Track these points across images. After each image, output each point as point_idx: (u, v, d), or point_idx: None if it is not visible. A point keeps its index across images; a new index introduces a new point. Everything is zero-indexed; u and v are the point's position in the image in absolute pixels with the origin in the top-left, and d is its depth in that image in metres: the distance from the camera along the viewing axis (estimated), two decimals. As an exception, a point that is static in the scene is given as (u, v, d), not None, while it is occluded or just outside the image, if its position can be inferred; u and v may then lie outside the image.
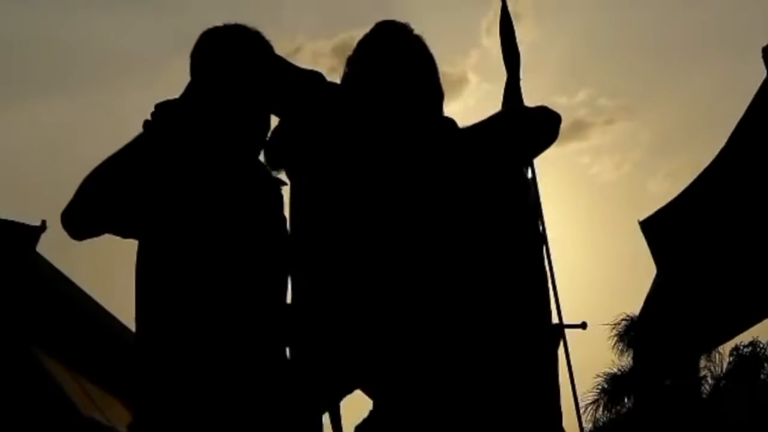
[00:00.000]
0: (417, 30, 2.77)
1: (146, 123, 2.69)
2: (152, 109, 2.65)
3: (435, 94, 2.79)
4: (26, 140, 27.77)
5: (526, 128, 2.79)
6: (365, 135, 2.73)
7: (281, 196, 2.79)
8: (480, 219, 2.70)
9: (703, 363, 23.71)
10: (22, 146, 27.12)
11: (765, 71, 4.94)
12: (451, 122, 2.80)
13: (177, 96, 2.71)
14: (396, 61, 2.74)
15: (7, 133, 26.88)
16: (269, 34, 2.79)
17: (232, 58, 2.73)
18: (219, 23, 2.77)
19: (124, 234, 2.70)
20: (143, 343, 2.59)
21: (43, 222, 10.01)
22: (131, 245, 2.64)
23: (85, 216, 2.63)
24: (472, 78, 34.63)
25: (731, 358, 24.39)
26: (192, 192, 2.62)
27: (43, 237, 10.10)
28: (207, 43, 2.77)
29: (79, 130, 30.26)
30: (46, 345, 10.38)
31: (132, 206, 2.62)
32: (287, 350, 2.71)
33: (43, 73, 30.76)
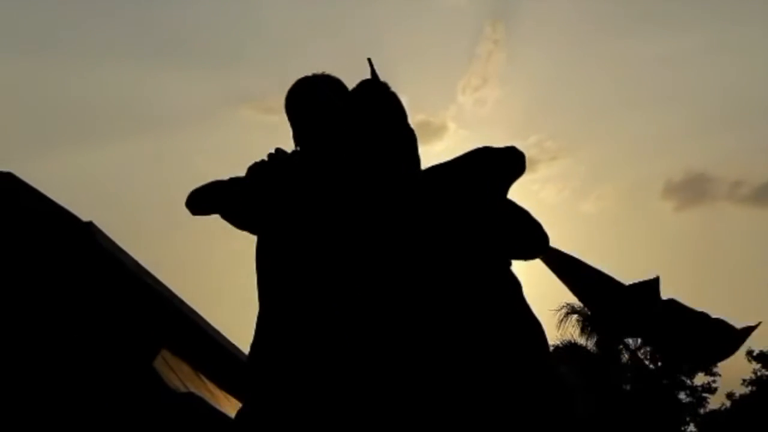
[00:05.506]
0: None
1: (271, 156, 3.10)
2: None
3: (408, 139, 3.03)
4: (100, 177, 31.65)
5: (497, 162, 2.98)
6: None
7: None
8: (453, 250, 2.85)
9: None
10: (98, 181, 30.93)
11: None
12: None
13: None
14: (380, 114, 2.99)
15: (83, 169, 31.19)
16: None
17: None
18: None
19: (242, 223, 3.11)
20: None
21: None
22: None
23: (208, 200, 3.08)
24: (451, 125, 44.35)
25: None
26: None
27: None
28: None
29: (156, 163, 36.71)
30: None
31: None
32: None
33: (113, 121, 36.70)
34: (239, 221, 3.12)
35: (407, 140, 3.01)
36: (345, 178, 2.97)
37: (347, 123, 3.00)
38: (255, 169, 3.11)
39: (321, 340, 2.87)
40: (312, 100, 3.15)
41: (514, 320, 2.83)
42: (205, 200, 3.11)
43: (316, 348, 2.87)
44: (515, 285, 2.93)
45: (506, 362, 2.75)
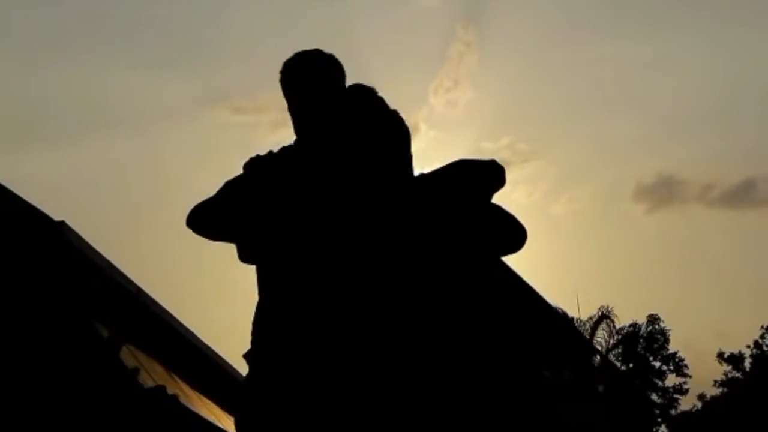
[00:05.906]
0: (380, 90, 3.18)
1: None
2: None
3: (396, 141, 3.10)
4: (72, 176, 32.34)
5: (480, 173, 3.05)
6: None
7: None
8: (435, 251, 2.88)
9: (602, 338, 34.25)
10: (70, 181, 31.56)
11: None
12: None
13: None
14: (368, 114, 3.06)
15: (55, 168, 33.72)
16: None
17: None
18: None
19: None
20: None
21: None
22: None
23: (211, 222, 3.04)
24: (422, 126, 45.76)
25: (618, 336, 36.53)
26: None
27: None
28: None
29: (127, 163, 39.05)
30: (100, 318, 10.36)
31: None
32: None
33: (85, 120, 40.08)
34: (248, 248, 3.05)
35: (404, 135, 3.09)
36: (343, 174, 2.97)
37: (343, 118, 3.02)
38: (254, 163, 3.07)
39: (321, 339, 2.85)
40: (309, 70, 3.12)
41: (501, 322, 2.86)
42: (210, 225, 3.05)
43: (316, 347, 2.84)
44: (509, 280, 2.97)
45: (492, 361, 2.79)
